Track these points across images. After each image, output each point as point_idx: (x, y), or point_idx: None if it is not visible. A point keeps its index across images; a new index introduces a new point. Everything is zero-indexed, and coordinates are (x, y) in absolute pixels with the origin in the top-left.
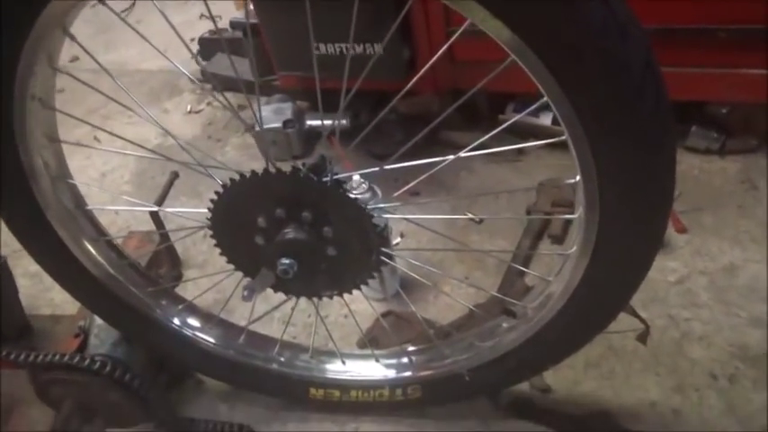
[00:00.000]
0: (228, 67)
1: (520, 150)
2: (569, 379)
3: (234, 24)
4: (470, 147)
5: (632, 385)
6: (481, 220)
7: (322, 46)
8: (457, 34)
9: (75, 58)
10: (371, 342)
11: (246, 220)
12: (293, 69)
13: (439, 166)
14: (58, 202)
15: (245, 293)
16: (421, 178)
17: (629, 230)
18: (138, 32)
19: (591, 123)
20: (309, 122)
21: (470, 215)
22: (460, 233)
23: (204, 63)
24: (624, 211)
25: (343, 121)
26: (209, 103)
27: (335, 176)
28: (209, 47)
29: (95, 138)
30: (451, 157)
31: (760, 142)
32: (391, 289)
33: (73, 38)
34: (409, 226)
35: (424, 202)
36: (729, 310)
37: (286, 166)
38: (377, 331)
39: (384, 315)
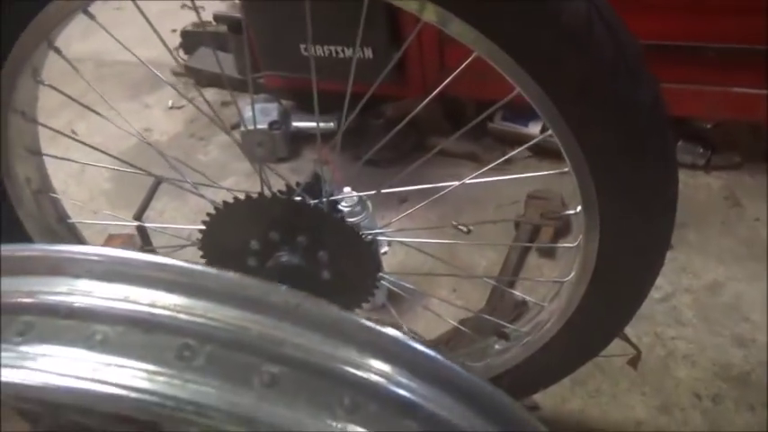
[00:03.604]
0: (212, 62)
1: (507, 159)
2: (557, 396)
3: (218, 17)
4: (476, 174)
5: (619, 404)
6: (469, 231)
7: (310, 47)
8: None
9: (59, 49)
10: None
11: (238, 241)
12: (280, 69)
13: (441, 192)
14: (39, 216)
15: None
16: (421, 205)
17: (629, 260)
18: (104, 28)
19: (597, 159)
20: (296, 124)
21: (458, 225)
22: (448, 244)
23: (186, 57)
24: (625, 241)
25: (330, 125)
26: (193, 99)
27: (331, 198)
28: (192, 40)
29: (72, 131)
30: (455, 183)
31: (743, 159)
32: (378, 300)
33: (58, 52)
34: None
35: (418, 228)
36: (713, 329)
37: (277, 180)
38: None
39: None
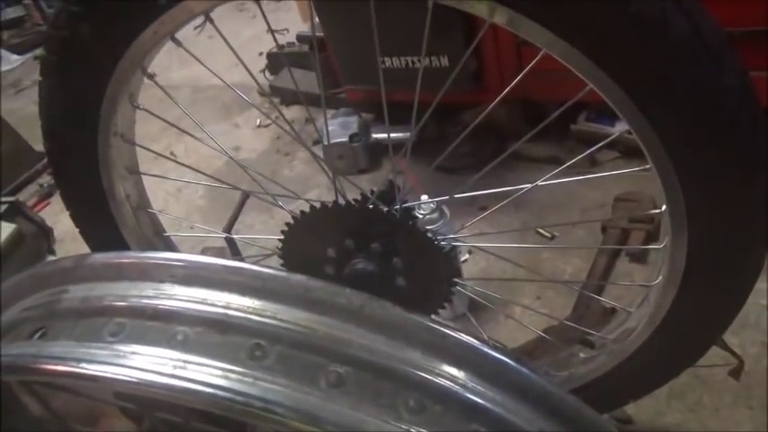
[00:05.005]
0: (295, 81)
1: (593, 161)
2: (652, 410)
3: (300, 38)
4: (549, 175)
5: (722, 419)
6: (553, 237)
7: (388, 59)
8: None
9: (152, 75)
10: None
11: (316, 249)
12: (359, 83)
13: (515, 195)
14: (138, 230)
15: None
16: (495, 208)
17: (722, 261)
18: (192, 55)
19: (680, 154)
20: (375, 136)
21: (542, 232)
22: (532, 250)
23: (272, 78)
24: (716, 240)
25: (408, 135)
26: (277, 117)
27: (405, 205)
28: (277, 61)
29: (171, 153)
30: (527, 186)
31: None
32: (459, 309)
33: (152, 78)
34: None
35: (494, 232)
36: None
37: (353, 191)
38: None
39: None
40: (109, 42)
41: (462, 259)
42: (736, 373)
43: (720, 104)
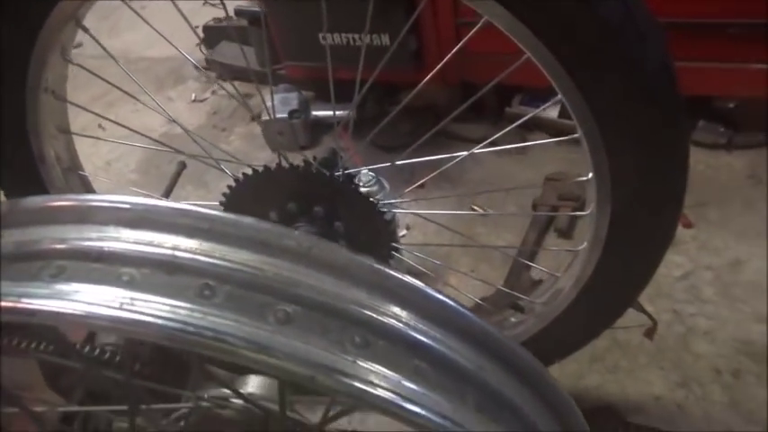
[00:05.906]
0: (233, 55)
1: (524, 141)
2: (574, 373)
3: (239, 12)
4: (483, 144)
5: (637, 379)
6: (486, 213)
7: (329, 36)
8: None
9: (78, 44)
10: None
11: (257, 213)
12: (300, 59)
13: (450, 163)
14: (69, 193)
15: None
16: (432, 174)
17: (641, 226)
18: (143, 19)
19: (606, 123)
20: (315, 113)
21: (476, 208)
22: (466, 225)
23: (209, 51)
24: (636, 207)
25: (347, 112)
26: (213, 92)
27: (346, 171)
28: (214, 34)
29: (100, 126)
30: (464, 153)
31: (767, 137)
32: None
33: (86, 30)
34: (415, 218)
35: (434, 197)
36: (733, 306)
37: (296, 159)
38: None
39: None
40: None
41: (400, 234)
42: (650, 333)
43: (643, 79)
